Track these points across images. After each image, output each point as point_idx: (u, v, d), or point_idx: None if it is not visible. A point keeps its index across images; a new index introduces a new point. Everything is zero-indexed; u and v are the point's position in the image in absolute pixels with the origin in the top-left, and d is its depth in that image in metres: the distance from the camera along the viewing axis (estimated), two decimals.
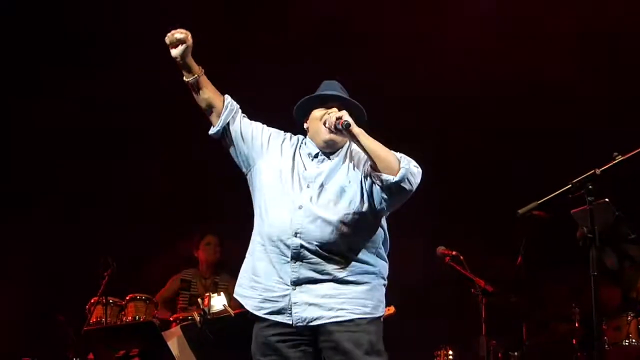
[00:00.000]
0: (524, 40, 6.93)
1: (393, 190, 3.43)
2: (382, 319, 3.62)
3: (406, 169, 3.41)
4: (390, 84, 6.94)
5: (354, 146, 3.63)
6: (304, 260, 3.48)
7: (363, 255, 3.55)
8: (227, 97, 3.68)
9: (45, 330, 6.56)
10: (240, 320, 4.69)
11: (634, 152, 3.60)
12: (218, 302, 4.91)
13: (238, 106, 3.74)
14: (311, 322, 3.47)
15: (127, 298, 6.16)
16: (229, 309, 4.89)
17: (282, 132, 3.79)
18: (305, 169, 3.62)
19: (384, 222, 3.66)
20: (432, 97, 7.11)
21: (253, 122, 3.76)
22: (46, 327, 6.49)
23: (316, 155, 3.65)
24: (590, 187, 3.50)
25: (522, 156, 7.01)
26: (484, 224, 6.89)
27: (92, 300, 6.03)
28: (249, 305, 3.60)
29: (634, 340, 5.77)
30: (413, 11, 6.97)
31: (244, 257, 3.76)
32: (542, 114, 7.01)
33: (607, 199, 4.05)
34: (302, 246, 3.47)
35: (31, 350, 6.48)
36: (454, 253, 5.69)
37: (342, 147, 3.66)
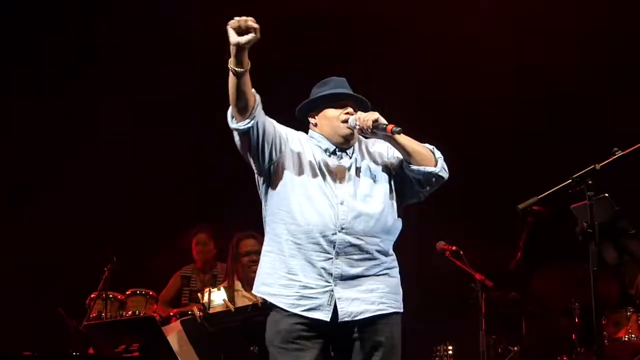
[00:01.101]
0: (524, 40, 6.94)
1: (433, 180, 3.63)
2: None
3: (442, 158, 3.64)
4: (390, 84, 6.94)
5: (366, 142, 3.73)
6: (347, 256, 3.51)
7: (390, 248, 3.66)
8: (256, 93, 3.51)
9: (46, 325, 6.55)
10: (240, 315, 4.72)
11: (634, 147, 3.61)
12: (218, 297, 4.91)
13: None
14: (357, 316, 3.50)
15: (127, 293, 6.17)
16: (229, 304, 4.89)
17: (291, 129, 3.73)
18: (330, 165, 3.62)
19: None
20: (433, 98, 7.13)
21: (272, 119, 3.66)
22: (46, 321, 6.48)
23: (334, 152, 3.67)
24: (589, 182, 3.51)
25: (522, 155, 7.02)
26: (483, 220, 6.89)
27: (92, 295, 6.05)
28: (284, 303, 3.53)
29: (633, 336, 5.74)
30: (414, 13, 6.99)
31: None
32: (542, 114, 7.02)
33: (606, 194, 4.06)
34: (347, 242, 3.50)
35: (31, 345, 6.48)
36: (454, 248, 5.70)
37: (355, 143, 3.71)
